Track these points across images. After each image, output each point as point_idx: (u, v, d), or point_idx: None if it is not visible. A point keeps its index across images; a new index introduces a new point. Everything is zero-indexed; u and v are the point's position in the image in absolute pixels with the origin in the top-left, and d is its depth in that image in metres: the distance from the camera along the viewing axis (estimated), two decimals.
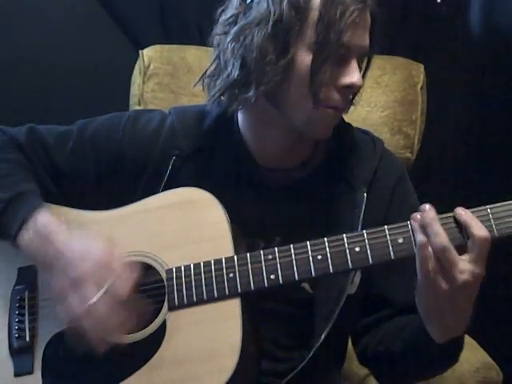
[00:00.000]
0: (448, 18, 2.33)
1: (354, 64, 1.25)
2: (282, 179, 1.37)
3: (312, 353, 1.29)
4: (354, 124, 1.41)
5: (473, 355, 1.67)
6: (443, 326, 1.19)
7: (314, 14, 1.22)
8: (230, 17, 1.28)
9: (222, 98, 1.32)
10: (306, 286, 1.33)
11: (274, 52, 1.23)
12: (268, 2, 1.23)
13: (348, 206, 1.34)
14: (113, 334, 1.19)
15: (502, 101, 2.29)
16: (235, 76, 1.26)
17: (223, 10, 1.31)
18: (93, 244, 1.22)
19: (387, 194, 1.36)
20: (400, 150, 1.95)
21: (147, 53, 1.98)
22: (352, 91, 1.28)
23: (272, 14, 1.22)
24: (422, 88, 1.99)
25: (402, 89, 1.96)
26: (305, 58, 1.23)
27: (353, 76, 1.25)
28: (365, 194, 1.33)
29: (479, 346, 1.72)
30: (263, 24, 1.23)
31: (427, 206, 1.15)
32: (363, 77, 1.31)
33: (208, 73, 1.33)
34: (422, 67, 2.01)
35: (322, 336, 1.28)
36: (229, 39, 1.26)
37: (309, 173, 1.38)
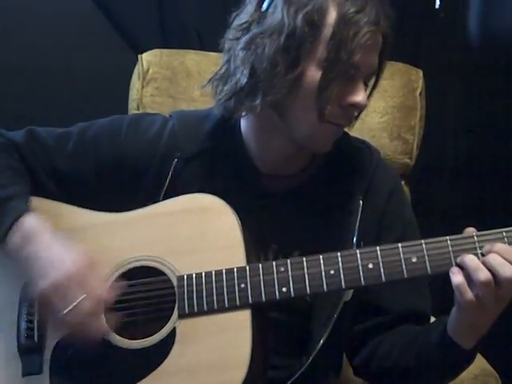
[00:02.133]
0: (446, 23, 2.33)
1: (360, 84, 1.26)
2: (280, 185, 1.37)
3: (311, 359, 1.28)
4: (353, 129, 1.41)
5: None
6: (479, 333, 1.21)
7: (328, 32, 1.23)
8: (244, 23, 1.28)
9: (229, 102, 1.32)
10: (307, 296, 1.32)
11: (283, 64, 1.23)
12: (283, 14, 1.23)
13: (344, 213, 1.34)
14: (93, 336, 1.20)
15: (501, 106, 2.30)
16: (243, 83, 1.27)
17: (237, 15, 1.31)
18: (69, 256, 1.22)
19: (382, 203, 1.37)
20: (399, 155, 1.95)
21: (146, 57, 1.97)
22: (356, 110, 1.29)
23: (286, 26, 1.22)
24: (420, 94, 1.98)
25: (400, 94, 1.96)
26: (314, 74, 1.24)
27: (359, 95, 1.26)
28: (360, 202, 1.34)
29: (478, 352, 1.71)
30: (276, 35, 1.23)
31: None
32: (370, 95, 1.32)
33: (217, 76, 1.34)
34: (420, 73, 2.01)
35: (321, 341, 1.28)
36: (240, 46, 1.27)
37: (307, 180, 1.38)
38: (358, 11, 1.22)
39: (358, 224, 1.33)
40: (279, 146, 1.34)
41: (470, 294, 1.13)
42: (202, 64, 1.97)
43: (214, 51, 1.97)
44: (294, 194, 1.37)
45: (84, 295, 1.18)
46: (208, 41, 2.21)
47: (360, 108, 1.28)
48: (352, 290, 1.29)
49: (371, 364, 1.35)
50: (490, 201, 2.06)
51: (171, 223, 1.28)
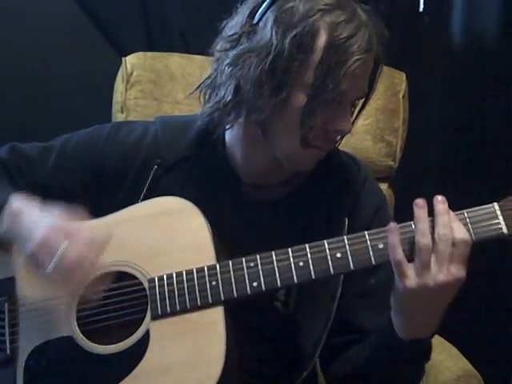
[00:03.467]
0: (430, 27, 2.34)
1: (346, 110, 1.24)
2: (263, 196, 1.36)
3: (303, 377, 1.29)
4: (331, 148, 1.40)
5: (454, 363, 1.68)
6: (412, 322, 1.17)
7: (316, 57, 1.19)
8: (234, 34, 1.24)
9: (213, 116, 1.30)
10: (278, 304, 1.33)
11: (268, 87, 1.20)
12: (272, 33, 1.19)
13: (328, 229, 1.33)
14: (90, 268, 1.19)
15: (485, 109, 2.31)
16: (227, 101, 1.25)
17: (227, 23, 1.27)
18: (52, 215, 1.23)
19: (367, 221, 1.35)
20: (382, 158, 1.96)
21: (130, 60, 1.97)
22: (339, 135, 1.27)
23: (273, 47, 1.18)
24: (404, 96, 1.99)
25: (384, 97, 1.97)
26: (299, 99, 1.21)
27: (343, 122, 1.24)
28: (346, 220, 1.33)
29: (460, 354, 1.73)
30: (263, 55, 1.19)
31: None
32: (358, 115, 1.30)
33: (205, 84, 1.31)
34: (404, 76, 2.02)
35: (312, 363, 1.29)
36: (227, 62, 1.24)
37: (291, 192, 1.37)
38: (349, 36, 1.17)
39: None
40: (262, 158, 1.32)
41: (400, 252, 1.13)
42: (186, 67, 1.98)
43: (198, 54, 1.97)
44: (277, 205, 1.36)
45: (66, 242, 1.17)
46: (193, 43, 2.21)
47: (343, 134, 1.27)
48: (334, 310, 1.30)
49: (338, 373, 1.34)
50: (474, 201, 2.07)
51: (140, 227, 1.29)
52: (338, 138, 1.29)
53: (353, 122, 1.28)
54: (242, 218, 1.35)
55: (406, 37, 2.34)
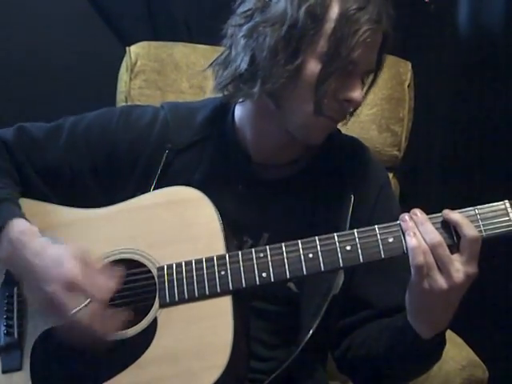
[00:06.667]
0: (436, 16, 2.34)
1: (357, 80, 1.28)
2: (272, 175, 1.38)
3: (299, 349, 1.29)
4: (342, 121, 1.41)
5: (459, 353, 1.68)
6: (432, 322, 1.20)
7: (329, 27, 1.24)
8: (248, 10, 1.29)
9: (227, 87, 1.33)
10: (291, 285, 1.33)
11: (283, 55, 1.24)
12: (286, 5, 1.24)
13: (335, 206, 1.35)
14: (101, 336, 1.18)
15: (489, 99, 2.30)
16: (242, 70, 1.28)
17: (242, 1, 1.31)
18: (64, 253, 1.20)
19: (372, 199, 1.38)
20: (387, 147, 1.96)
21: (134, 50, 1.97)
22: (351, 105, 1.30)
23: (288, 17, 1.24)
24: (409, 86, 1.99)
25: (389, 86, 1.97)
26: (313, 67, 1.25)
27: (354, 91, 1.27)
28: (352, 196, 1.35)
29: (465, 343, 1.73)
30: (278, 25, 1.24)
31: (417, 210, 1.18)
32: (367, 91, 1.34)
33: (218, 60, 1.35)
34: (409, 65, 2.01)
35: (311, 331, 1.28)
36: (242, 34, 1.28)
37: (299, 171, 1.39)
38: (359, 8, 1.23)
39: (349, 218, 1.34)
40: (274, 133, 1.35)
41: (421, 258, 1.14)
42: (190, 56, 1.97)
43: (203, 43, 1.97)
44: (285, 184, 1.38)
45: (89, 299, 1.17)
46: (197, 33, 2.21)
47: (355, 104, 1.29)
48: (340, 284, 1.30)
49: (348, 354, 1.35)
50: (478, 192, 2.07)
51: (151, 216, 1.29)
52: (350, 109, 1.31)
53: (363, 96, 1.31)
54: (252, 197, 1.36)
55: (412, 26, 2.34)
